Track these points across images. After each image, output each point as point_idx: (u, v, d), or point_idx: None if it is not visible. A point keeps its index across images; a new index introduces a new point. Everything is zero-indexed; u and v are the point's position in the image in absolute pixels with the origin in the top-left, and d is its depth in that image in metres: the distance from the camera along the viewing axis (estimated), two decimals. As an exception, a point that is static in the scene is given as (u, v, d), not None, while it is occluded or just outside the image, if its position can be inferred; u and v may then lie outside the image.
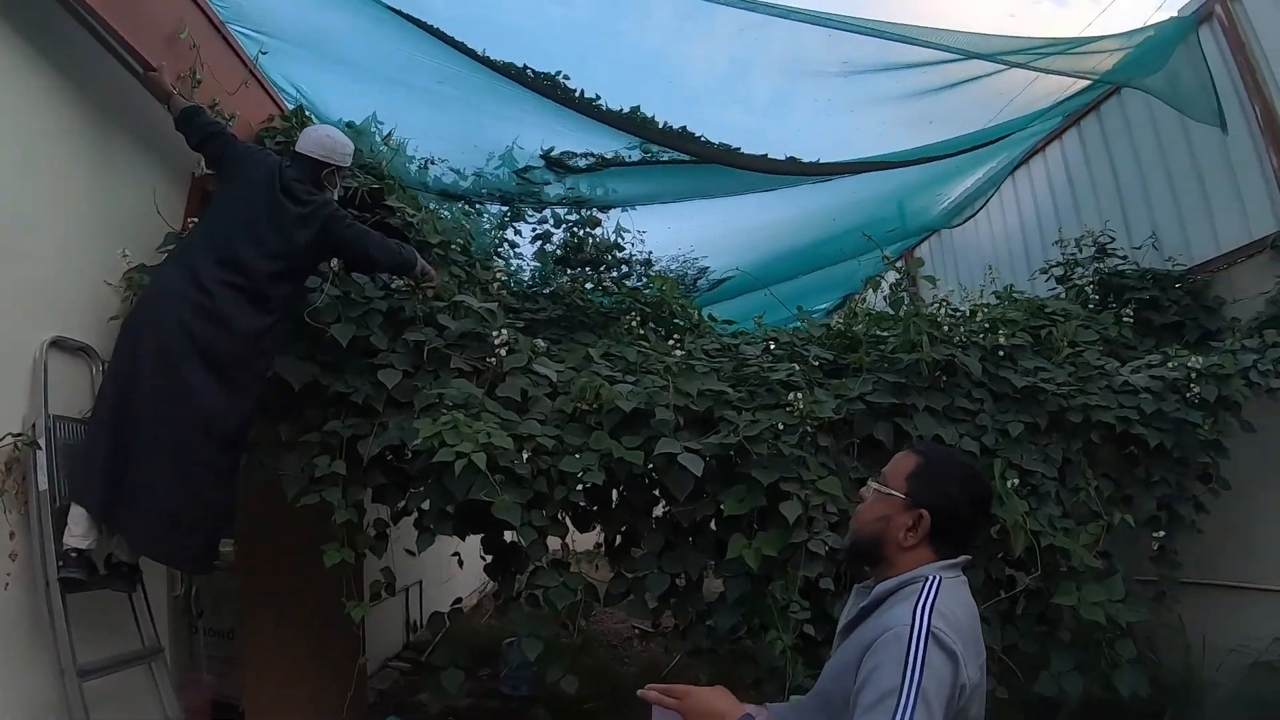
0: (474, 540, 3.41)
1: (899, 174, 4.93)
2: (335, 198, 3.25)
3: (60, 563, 2.66)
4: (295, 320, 3.11)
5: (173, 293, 2.86)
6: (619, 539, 3.38)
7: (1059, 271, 5.32)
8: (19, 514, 2.67)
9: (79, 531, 2.69)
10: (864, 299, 4.08)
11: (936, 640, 1.44)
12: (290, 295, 3.07)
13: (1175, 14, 4.92)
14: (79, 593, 2.72)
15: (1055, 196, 6.31)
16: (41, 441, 2.67)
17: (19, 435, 2.62)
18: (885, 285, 3.67)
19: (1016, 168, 6.41)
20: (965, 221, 6.81)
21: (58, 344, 2.86)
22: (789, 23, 3.46)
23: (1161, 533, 3.73)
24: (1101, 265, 5.13)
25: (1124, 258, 5.17)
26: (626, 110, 3.82)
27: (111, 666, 2.85)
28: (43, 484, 2.69)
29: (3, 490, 2.62)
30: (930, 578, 1.57)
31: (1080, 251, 5.27)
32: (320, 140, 3.22)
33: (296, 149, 3.23)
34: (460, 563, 3.67)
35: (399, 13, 3.55)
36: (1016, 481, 3.19)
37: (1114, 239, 5.26)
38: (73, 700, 2.59)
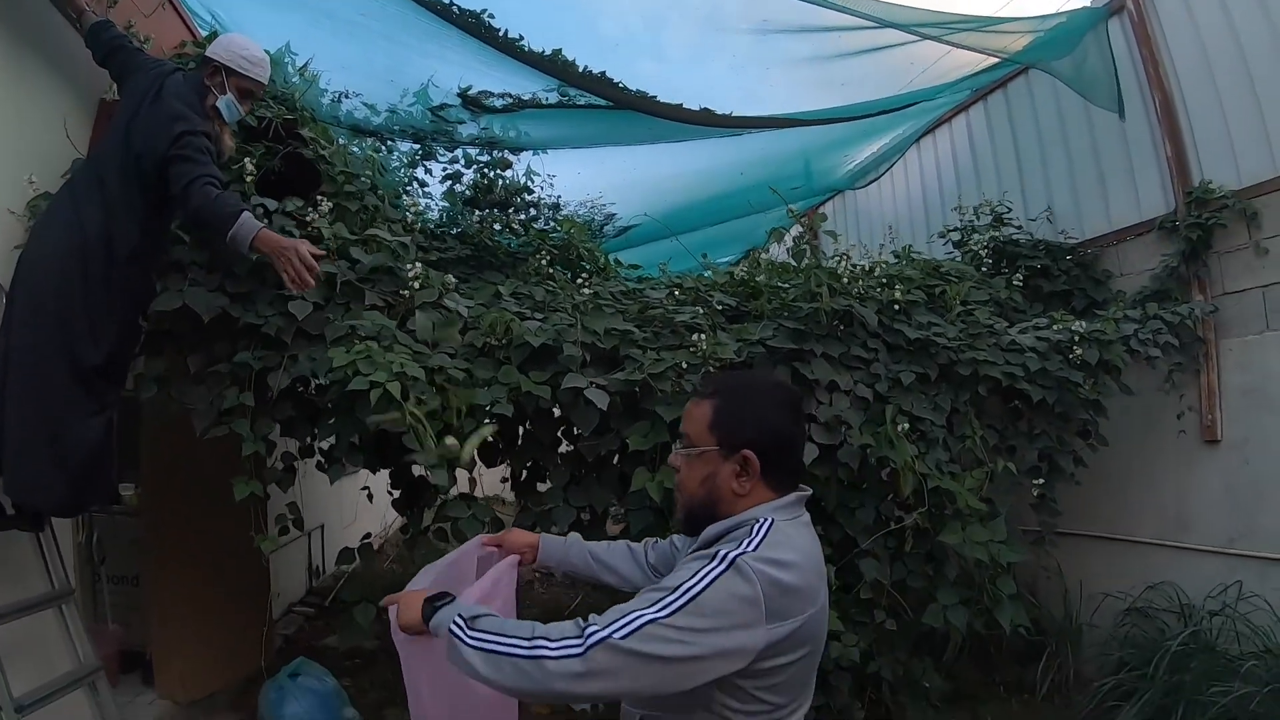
0: (380, 485, 3.46)
1: (807, 133, 5.07)
2: (221, 104, 2.91)
3: None
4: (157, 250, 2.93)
5: (56, 221, 2.75)
6: (525, 473, 3.47)
7: (956, 236, 5.59)
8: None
9: None
10: (767, 250, 4.26)
11: (738, 571, 1.38)
12: (153, 223, 2.84)
13: (1088, 3, 5.20)
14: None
15: (958, 166, 6.61)
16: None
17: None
18: (789, 239, 3.85)
19: (922, 136, 6.67)
20: (869, 184, 7.02)
21: (-46, 277, 2.74)
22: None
23: (1041, 481, 4.01)
24: (997, 233, 5.39)
25: (1019, 227, 5.46)
26: (548, 52, 3.87)
27: (21, 610, 2.79)
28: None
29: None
30: (761, 520, 1.50)
31: (978, 219, 5.53)
32: (222, 40, 2.98)
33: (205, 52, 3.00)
34: (370, 497, 3.73)
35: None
36: (906, 426, 3.37)
37: (1011, 209, 5.54)
38: (-20, 648, 2.49)
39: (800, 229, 3.97)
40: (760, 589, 1.38)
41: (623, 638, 1.32)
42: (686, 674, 1.36)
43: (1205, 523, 4.56)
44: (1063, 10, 4.98)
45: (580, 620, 1.38)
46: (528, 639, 1.36)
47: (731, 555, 1.40)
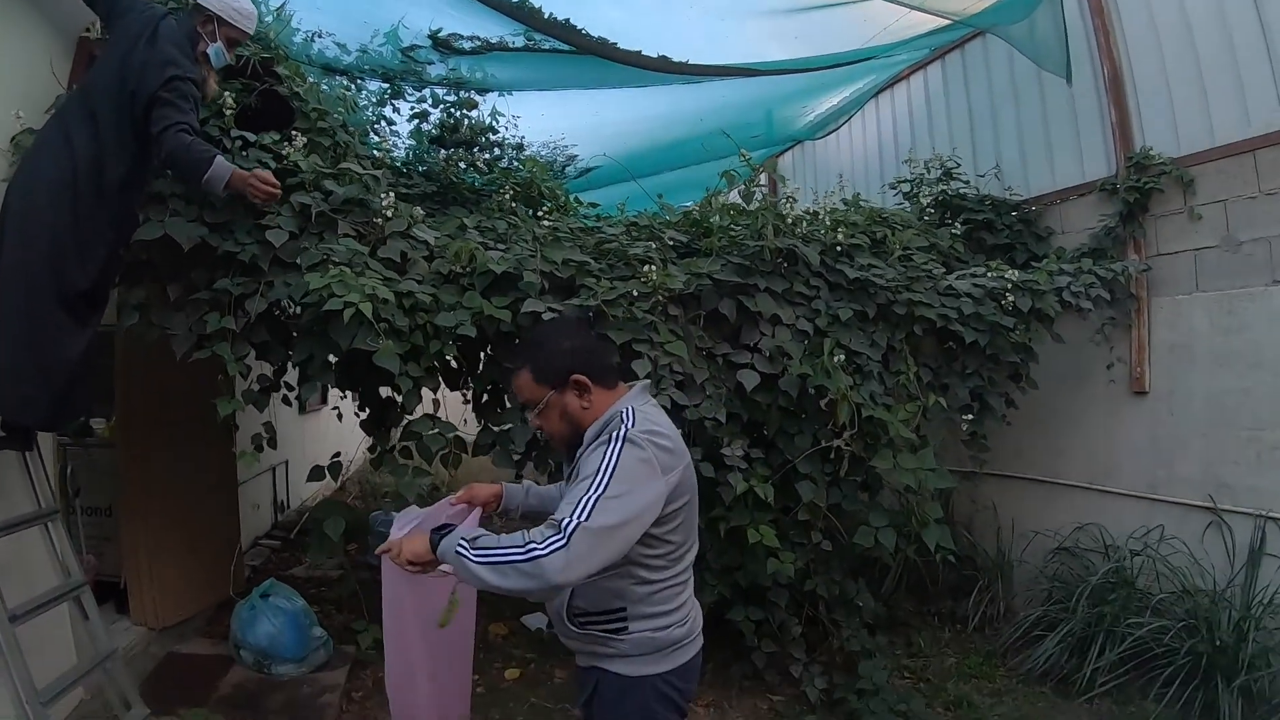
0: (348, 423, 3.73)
1: (768, 83, 5.32)
2: (211, 51, 3.13)
3: None
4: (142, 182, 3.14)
5: (47, 151, 2.92)
6: (486, 395, 3.77)
7: (906, 188, 5.90)
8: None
9: None
10: (722, 194, 4.58)
11: (632, 443, 1.85)
12: (142, 156, 3.04)
13: None
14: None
15: (913, 122, 6.94)
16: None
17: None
18: (740, 182, 4.17)
19: (881, 91, 7.00)
20: (828, 135, 7.38)
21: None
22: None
23: (970, 416, 4.38)
24: (946, 187, 5.71)
25: (966, 182, 5.77)
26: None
27: (11, 526, 3.02)
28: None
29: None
30: (625, 411, 1.96)
31: (928, 173, 5.84)
32: None
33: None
34: (340, 416, 4.01)
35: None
36: (842, 358, 3.69)
37: (960, 164, 5.85)
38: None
39: (751, 171, 4.25)
40: (651, 452, 1.85)
41: (588, 519, 1.72)
42: (630, 534, 1.81)
43: (1131, 469, 4.95)
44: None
45: (551, 520, 1.76)
46: (521, 546, 1.72)
47: (621, 434, 1.86)
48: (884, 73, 6.33)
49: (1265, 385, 4.28)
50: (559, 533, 1.71)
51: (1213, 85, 4.54)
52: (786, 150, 8.45)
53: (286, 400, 3.89)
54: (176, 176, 3.22)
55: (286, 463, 7.52)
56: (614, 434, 1.87)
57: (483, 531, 1.85)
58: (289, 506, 7.69)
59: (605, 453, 1.83)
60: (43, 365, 2.88)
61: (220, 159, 2.94)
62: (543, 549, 1.70)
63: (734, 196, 4.75)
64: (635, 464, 1.83)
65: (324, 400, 6.19)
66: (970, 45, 6.25)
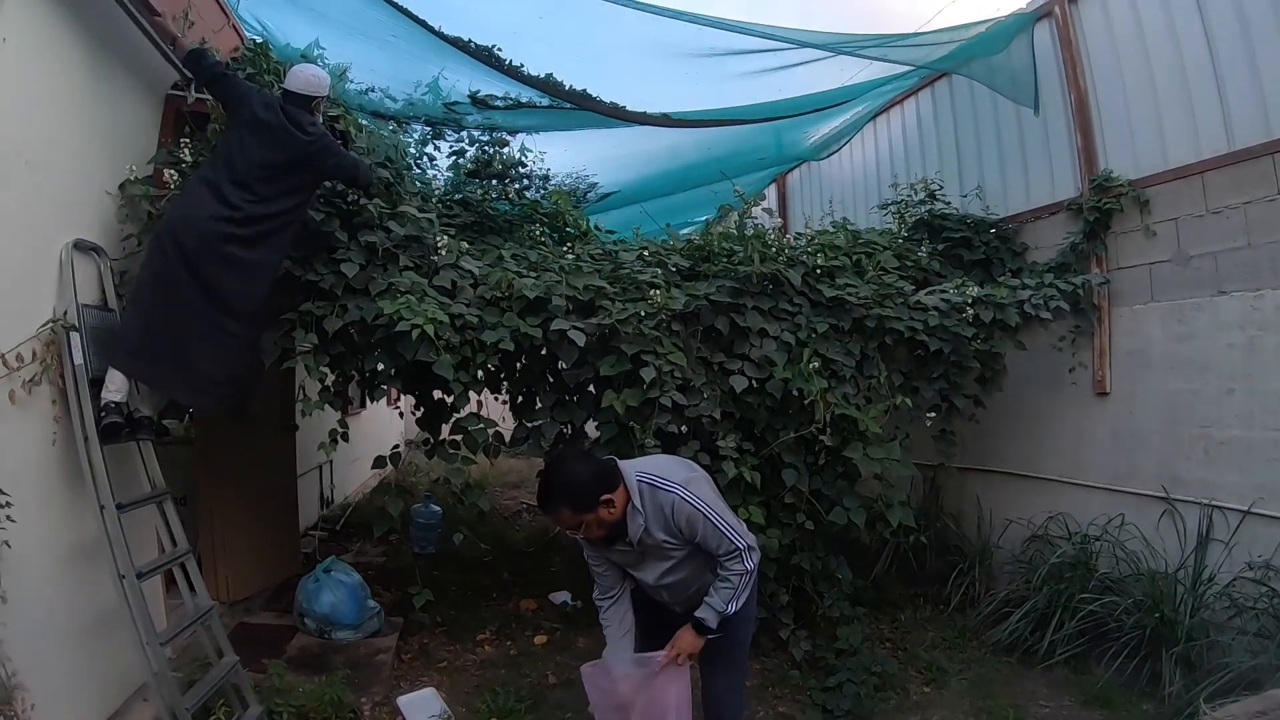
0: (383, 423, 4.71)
1: (770, 111, 6.25)
2: (320, 120, 4.16)
3: (102, 414, 3.59)
4: (300, 225, 4.14)
5: (199, 204, 3.81)
6: (522, 398, 4.76)
7: (894, 209, 6.76)
8: (57, 387, 3.52)
9: (114, 388, 3.66)
10: (733, 213, 5.45)
11: (683, 488, 2.90)
12: (293, 207, 4.06)
13: (1024, 4, 6.28)
14: (111, 444, 3.62)
15: (906, 144, 7.85)
16: (77, 324, 3.58)
17: (58, 320, 3.51)
18: (734, 212, 5.21)
19: (877, 115, 7.94)
20: (830, 155, 8.35)
21: (77, 245, 3.74)
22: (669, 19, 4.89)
23: (933, 414, 5.28)
24: (931, 207, 6.57)
25: (948, 203, 6.62)
26: (542, 75, 5.19)
27: (138, 503, 3.82)
28: (79, 359, 3.57)
29: (46, 367, 3.44)
30: (637, 480, 2.90)
31: (914, 194, 6.71)
32: (308, 80, 4.09)
33: (288, 87, 4.08)
34: (400, 415, 5.09)
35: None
36: (818, 364, 4.54)
37: (942, 186, 6.70)
38: (113, 531, 3.48)
39: (744, 203, 5.23)
40: (687, 472, 3.10)
41: (739, 529, 3.00)
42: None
43: (1096, 463, 5.71)
44: (988, 19, 5.98)
45: (727, 551, 2.95)
46: (740, 575, 2.96)
47: (679, 489, 2.92)
48: (878, 100, 7.22)
49: (1211, 387, 4.94)
50: (741, 550, 2.92)
51: (1168, 113, 5.22)
52: (793, 169, 9.40)
53: (331, 404, 4.79)
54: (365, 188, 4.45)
55: (331, 462, 8.51)
56: (681, 498, 2.90)
57: (713, 596, 3.00)
58: (333, 501, 8.80)
59: (696, 507, 2.88)
60: (229, 373, 4.01)
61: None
62: (749, 566, 2.93)
63: (758, 213, 5.73)
64: (702, 488, 3.00)
65: (362, 405, 7.29)
66: (956, 76, 6.98)
